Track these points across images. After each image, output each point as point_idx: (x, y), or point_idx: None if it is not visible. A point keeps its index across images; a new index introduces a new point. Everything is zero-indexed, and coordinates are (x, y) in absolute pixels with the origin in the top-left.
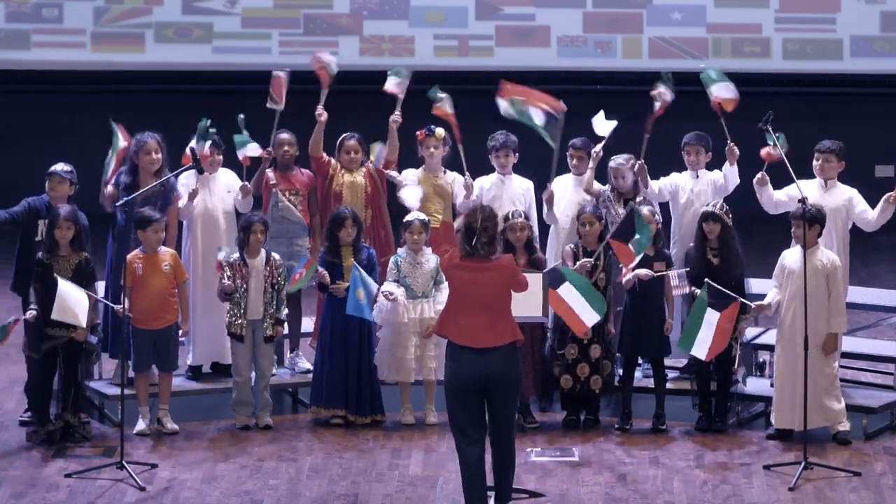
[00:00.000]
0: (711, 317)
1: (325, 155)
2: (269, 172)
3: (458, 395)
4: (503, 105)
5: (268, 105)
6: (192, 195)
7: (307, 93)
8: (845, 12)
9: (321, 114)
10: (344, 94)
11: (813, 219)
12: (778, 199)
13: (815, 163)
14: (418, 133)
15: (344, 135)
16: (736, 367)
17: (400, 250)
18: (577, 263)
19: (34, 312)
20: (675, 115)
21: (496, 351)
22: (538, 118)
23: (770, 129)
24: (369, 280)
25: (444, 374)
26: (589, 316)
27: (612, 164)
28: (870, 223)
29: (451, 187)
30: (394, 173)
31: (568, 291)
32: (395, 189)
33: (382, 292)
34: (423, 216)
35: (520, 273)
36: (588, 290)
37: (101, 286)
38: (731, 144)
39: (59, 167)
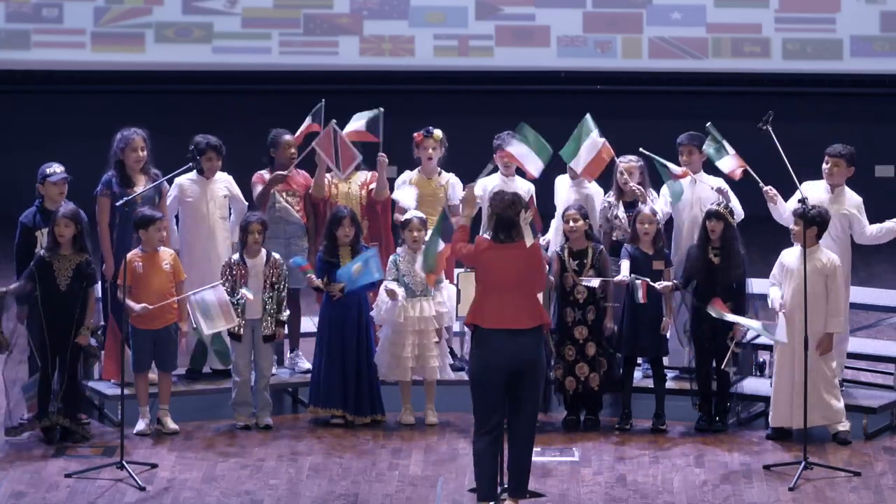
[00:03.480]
0: None
1: (327, 192)
2: (266, 174)
3: (485, 383)
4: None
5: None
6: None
7: (306, 93)
8: (845, 12)
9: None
10: (344, 94)
11: (812, 220)
12: (790, 215)
13: (824, 166)
14: (416, 135)
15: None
16: (724, 365)
17: (399, 249)
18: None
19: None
20: (676, 116)
21: (528, 333)
22: None
23: (770, 129)
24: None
25: (472, 364)
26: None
27: (619, 163)
28: (864, 237)
29: (444, 189)
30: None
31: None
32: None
33: (386, 290)
34: (421, 214)
35: (543, 261)
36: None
37: (98, 286)
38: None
39: (57, 175)
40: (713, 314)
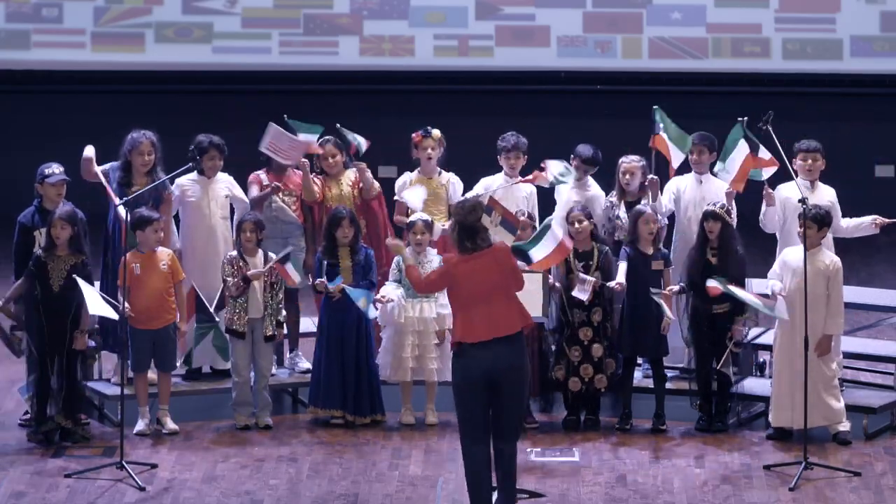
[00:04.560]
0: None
1: (317, 191)
2: (262, 174)
3: (469, 392)
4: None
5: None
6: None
7: (306, 93)
8: (845, 12)
9: (304, 162)
10: (344, 94)
11: (822, 220)
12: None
13: (800, 163)
14: (414, 135)
15: (320, 140)
16: (720, 365)
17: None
18: (580, 281)
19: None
20: (679, 116)
21: (507, 340)
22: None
23: (770, 129)
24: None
25: (453, 373)
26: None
27: (622, 162)
28: (840, 229)
29: (445, 189)
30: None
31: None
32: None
33: (380, 297)
34: (426, 216)
35: (513, 257)
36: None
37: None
38: (731, 190)
39: (55, 176)
40: (718, 287)
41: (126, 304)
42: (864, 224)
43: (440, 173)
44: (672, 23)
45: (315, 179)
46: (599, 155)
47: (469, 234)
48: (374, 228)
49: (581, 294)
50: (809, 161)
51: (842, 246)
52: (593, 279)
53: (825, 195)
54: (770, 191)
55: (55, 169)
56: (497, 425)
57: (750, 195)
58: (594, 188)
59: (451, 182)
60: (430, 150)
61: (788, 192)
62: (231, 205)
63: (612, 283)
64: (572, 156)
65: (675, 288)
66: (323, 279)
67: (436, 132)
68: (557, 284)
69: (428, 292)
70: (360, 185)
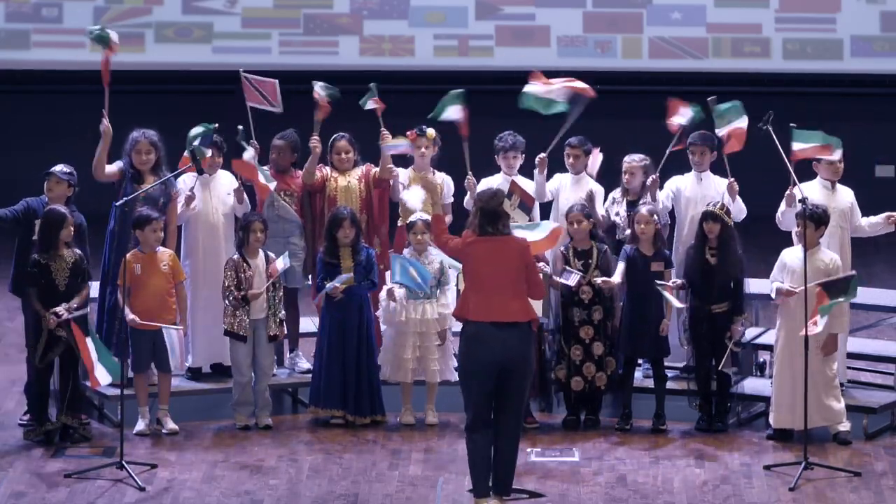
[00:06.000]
0: None
1: (318, 175)
2: (266, 168)
3: (475, 378)
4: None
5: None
6: (189, 199)
7: (306, 93)
8: (845, 12)
9: (316, 145)
10: (343, 94)
11: (819, 219)
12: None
13: (827, 165)
14: (409, 133)
15: (335, 135)
16: (721, 365)
17: (405, 251)
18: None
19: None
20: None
21: (514, 328)
22: (560, 98)
23: (770, 128)
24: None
25: (460, 359)
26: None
27: (625, 161)
28: (861, 230)
29: (440, 185)
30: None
31: None
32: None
33: (386, 292)
34: (426, 216)
35: (534, 262)
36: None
37: (94, 286)
38: (732, 181)
39: (58, 168)
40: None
41: (128, 310)
42: (880, 222)
43: (433, 172)
44: (672, 23)
45: (323, 168)
46: (588, 143)
47: (491, 218)
48: (374, 224)
49: (566, 280)
50: (836, 162)
51: None
52: (579, 273)
53: (846, 196)
54: (792, 192)
55: (60, 167)
56: (499, 412)
57: (763, 194)
58: (591, 183)
59: (445, 182)
60: (423, 149)
61: (807, 192)
62: (234, 201)
63: (601, 279)
64: (567, 146)
65: (679, 281)
66: (335, 284)
67: (430, 131)
68: (556, 278)
69: (439, 248)
70: (373, 170)
